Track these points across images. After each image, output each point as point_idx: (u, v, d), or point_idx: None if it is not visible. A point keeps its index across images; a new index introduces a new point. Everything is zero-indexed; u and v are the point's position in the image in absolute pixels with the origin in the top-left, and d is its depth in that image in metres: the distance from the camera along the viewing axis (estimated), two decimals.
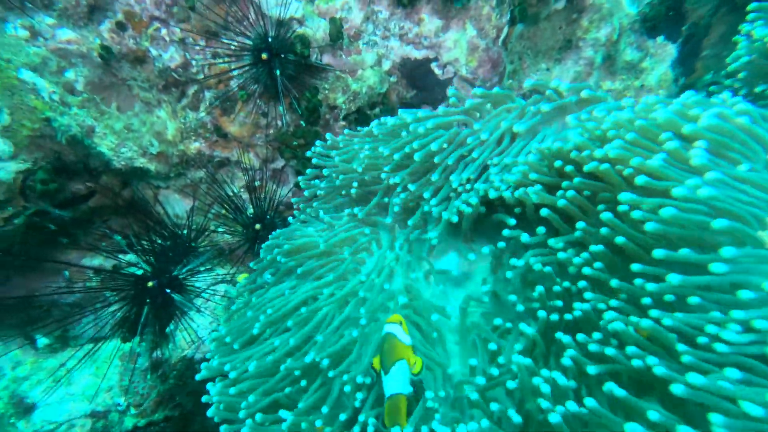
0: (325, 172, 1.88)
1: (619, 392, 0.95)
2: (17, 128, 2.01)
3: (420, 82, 2.49)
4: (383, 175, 1.63)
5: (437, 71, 2.44)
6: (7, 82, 1.93)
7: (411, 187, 1.56)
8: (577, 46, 2.83)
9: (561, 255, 1.24)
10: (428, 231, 1.55)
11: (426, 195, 1.53)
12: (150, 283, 1.83)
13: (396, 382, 1.13)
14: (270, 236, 1.70)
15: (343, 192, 1.80)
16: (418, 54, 2.37)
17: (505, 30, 2.45)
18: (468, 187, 1.49)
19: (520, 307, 1.29)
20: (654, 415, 0.87)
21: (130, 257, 2.19)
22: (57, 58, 2.05)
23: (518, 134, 1.56)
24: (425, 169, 1.58)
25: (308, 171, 2.02)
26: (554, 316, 1.20)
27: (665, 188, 1.01)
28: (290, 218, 1.97)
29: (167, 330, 1.97)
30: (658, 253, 0.98)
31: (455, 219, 1.44)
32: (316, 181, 1.98)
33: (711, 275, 0.89)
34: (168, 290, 1.87)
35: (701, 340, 0.92)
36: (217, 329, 1.51)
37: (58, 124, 2.07)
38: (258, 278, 1.64)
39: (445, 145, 1.53)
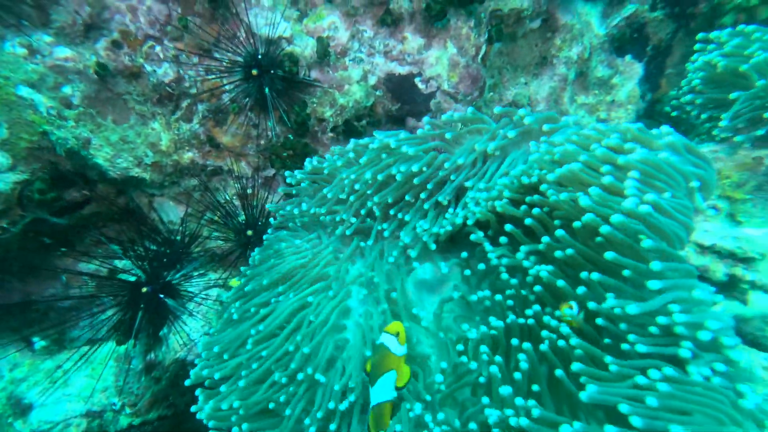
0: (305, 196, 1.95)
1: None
2: (15, 141, 2.07)
3: (404, 96, 2.59)
4: (368, 202, 1.71)
5: (421, 86, 2.55)
6: (6, 98, 1.98)
7: (391, 212, 1.66)
8: (551, 62, 2.96)
9: (525, 263, 1.36)
10: (407, 246, 1.65)
11: (407, 218, 1.63)
12: (144, 289, 1.90)
13: (381, 392, 1.21)
14: (258, 250, 1.78)
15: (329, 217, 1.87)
16: (402, 70, 2.48)
17: (484, 48, 2.57)
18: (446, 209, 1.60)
19: (482, 309, 1.40)
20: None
21: (126, 263, 2.25)
22: (54, 74, 2.12)
23: (489, 156, 1.67)
24: (404, 192, 1.68)
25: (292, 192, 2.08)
26: (514, 318, 1.32)
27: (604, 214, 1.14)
28: (271, 219, 2.04)
29: (161, 333, 2.04)
30: (608, 255, 1.11)
31: (433, 246, 1.55)
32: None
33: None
34: (161, 295, 1.94)
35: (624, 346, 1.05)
36: (209, 335, 1.59)
37: (55, 137, 2.13)
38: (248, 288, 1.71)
39: (425, 168, 1.63)
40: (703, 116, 2.28)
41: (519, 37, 2.90)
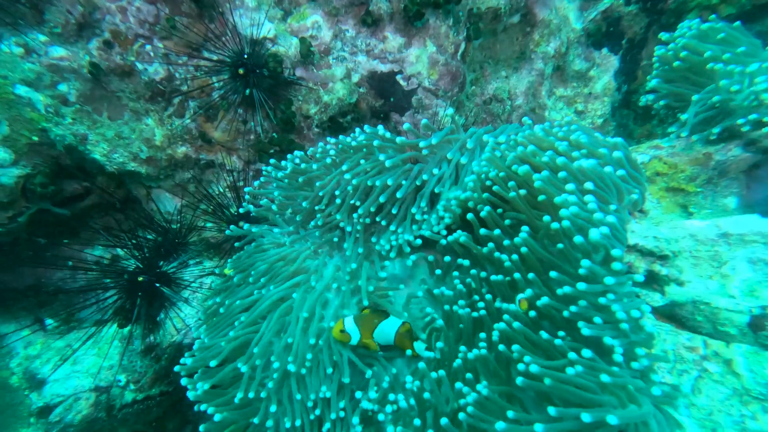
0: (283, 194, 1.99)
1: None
2: (16, 138, 2.10)
3: (387, 93, 2.60)
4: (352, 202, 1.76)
5: (402, 83, 2.56)
6: (5, 97, 2.01)
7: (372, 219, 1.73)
8: (530, 57, 2.95)
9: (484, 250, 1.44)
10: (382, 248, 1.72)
11: (383, 222, 1.70)
12: (140, 278, 1.98)
13: (388, 328, 1.41)
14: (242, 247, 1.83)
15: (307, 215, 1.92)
16: (384, 68, 2.48)
17: (463, 45, 2.57)
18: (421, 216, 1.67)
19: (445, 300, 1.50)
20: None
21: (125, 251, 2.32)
22: (50, 73, 2.13)
23: (459, 165, 1.72)
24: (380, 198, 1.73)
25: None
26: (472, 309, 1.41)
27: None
28: (250, 206, 2.09)
29: (158, 318, 2.13)
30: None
31: (407, 249, 1.63)
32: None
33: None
34: (157, 284, 2.02)
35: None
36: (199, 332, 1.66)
37: (54, 134, 2.16)
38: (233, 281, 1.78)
39: (402, 182, 1.68)
40: (663, 112, 2.32)
41: (499, 31, 2.88)
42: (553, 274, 1.23)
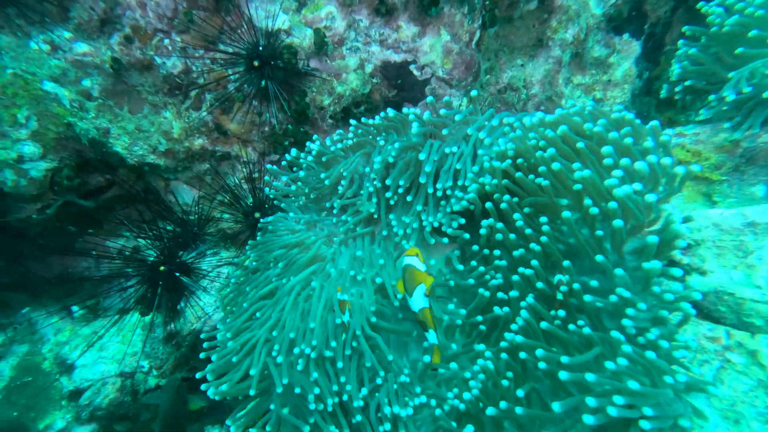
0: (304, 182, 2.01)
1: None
2: (44, 132, 2.17)
3: (400, 83, 2.57)
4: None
5: (416, 73, 2.53)
6: (34, 93, 2.07)
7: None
8: (546, 44, 2.87)
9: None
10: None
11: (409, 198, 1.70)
12: (162, 268, 2.02)
13: (418, 301, 1.44)
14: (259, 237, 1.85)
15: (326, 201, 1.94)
16: (397, 57, 2.45)
17: (478, 33, 2.51)
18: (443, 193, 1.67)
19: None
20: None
21: (147, 242, 2.38)
22: (75, 69, 2.18)
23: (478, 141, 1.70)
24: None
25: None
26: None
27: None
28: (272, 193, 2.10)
29: (178, 307, 2.18)
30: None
31: (428, 229, 1.62)
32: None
33: None
34: (177, 274, 2.06)
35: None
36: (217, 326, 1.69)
37: (78, 128, 2.22)
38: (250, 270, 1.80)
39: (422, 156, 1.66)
40: (688, 98, 2.23)
41: (516, 18, 2.81)
42: (599, 257, 1.19)
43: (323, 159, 1.95)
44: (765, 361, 1.39)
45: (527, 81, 2.97)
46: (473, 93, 2.00)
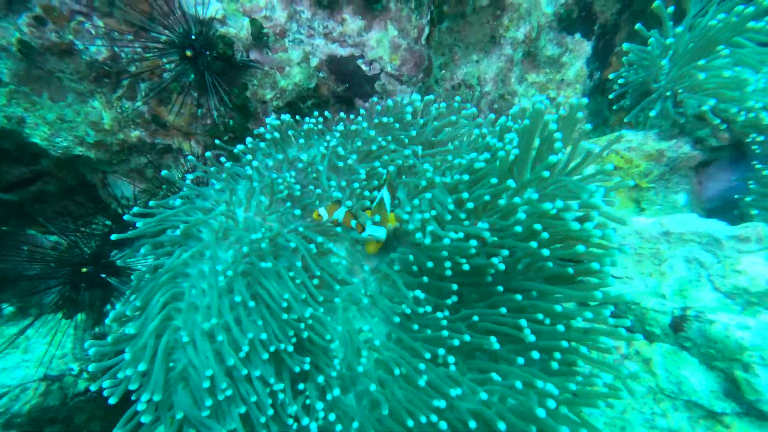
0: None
1: None
2: None
3: (349, 78, 2.42)
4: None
5: (364, 68, 2.38)
6: None
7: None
8: (499, 42, 2.77)
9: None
10: None
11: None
12: (84, 269, 1.86)
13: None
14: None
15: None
16: (343, 52, 2.29)
17: (426, 29, 2.37)
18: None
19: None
20: None
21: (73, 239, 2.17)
22: None
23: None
24: None
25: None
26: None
27: None
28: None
29: (105, 309, 2.02)
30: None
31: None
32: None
33: None
34: (103, 275, 1.90)
35: None
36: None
37: None
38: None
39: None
40: (627, 104, 2.23)
41: (469, 14, 2.68)
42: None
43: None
44: (656, 369, 1.41)
45: (481, 78, 2.87)
46: (415, 96, 1.83)
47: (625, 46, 2.22)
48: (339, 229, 1.56)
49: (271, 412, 1.29)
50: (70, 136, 2.17)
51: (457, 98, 2.15)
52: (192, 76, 2.11)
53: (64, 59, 2.06)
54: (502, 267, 1.13)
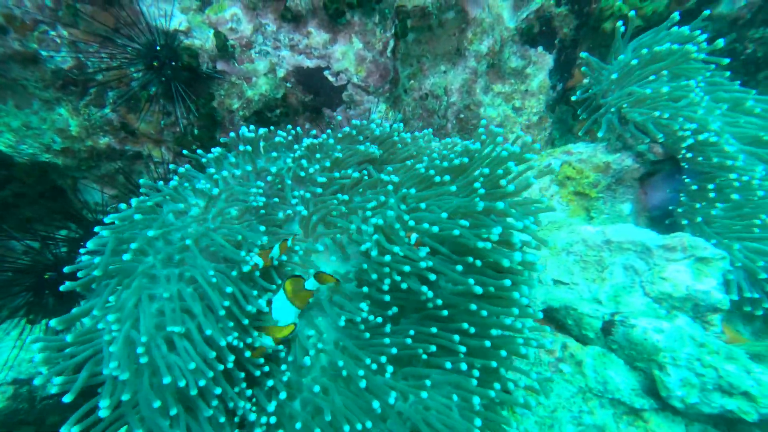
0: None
1: None
2: None
3: (316, 88, 2.47)
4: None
5: (331, 79, 2.43)
6: None
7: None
8: (464, 55, 2.85)
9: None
10: None
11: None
12: (47, 275, 1.88)
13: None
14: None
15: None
16: (310, 63, 2.34)
17: (392, 42, 2.44)
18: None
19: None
20: None
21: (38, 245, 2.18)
22: None
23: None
24: None
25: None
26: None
27: None
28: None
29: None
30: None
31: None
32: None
33: None
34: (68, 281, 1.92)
35: None
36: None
37: None
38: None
39: None
40: (583, 116, 2.35)
41: (435, 26, 2.75)
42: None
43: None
44: (586, 371, 1.52)
45: (448, 89, 2.95)
46: (381, 107, 1.91)
47: (582, 69, 2.33)
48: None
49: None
50: (36, 143, 2.18)
51: (426, 131, 2.26)
52: (158, 85, 2.14)
53: (28, 67, 2.06)
54: (431, 294, 1.22)
